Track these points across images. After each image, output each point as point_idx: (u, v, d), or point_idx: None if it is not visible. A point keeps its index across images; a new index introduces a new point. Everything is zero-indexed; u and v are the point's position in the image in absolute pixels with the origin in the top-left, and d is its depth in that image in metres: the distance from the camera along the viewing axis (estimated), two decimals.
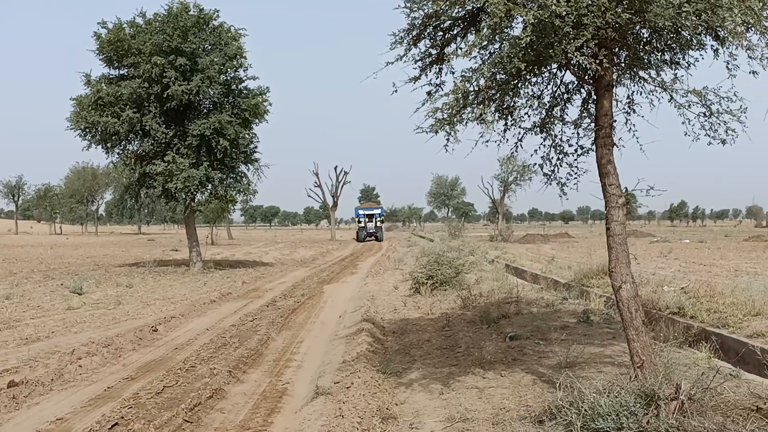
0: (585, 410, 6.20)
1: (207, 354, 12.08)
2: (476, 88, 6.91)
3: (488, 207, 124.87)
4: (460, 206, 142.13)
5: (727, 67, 6.79)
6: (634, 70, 7.45)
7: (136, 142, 30.85)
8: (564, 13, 6.02)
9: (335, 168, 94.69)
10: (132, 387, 9.85)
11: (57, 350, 12.33)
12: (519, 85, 7.26)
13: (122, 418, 8.20)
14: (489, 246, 46.98)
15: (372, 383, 9.22)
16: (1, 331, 14.36)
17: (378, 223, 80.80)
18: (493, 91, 7.05)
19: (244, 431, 8.04)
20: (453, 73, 7.48)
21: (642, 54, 7.48)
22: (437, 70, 7.70)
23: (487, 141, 7.48)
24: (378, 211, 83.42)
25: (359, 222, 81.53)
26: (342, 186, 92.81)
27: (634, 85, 7.61)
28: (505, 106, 7.43)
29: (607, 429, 5.96)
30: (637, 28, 7.15)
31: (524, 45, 6.15)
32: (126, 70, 30.01)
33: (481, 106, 6.93)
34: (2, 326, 14.89)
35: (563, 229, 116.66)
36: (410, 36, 7.45)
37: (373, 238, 78.94)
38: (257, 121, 31.84)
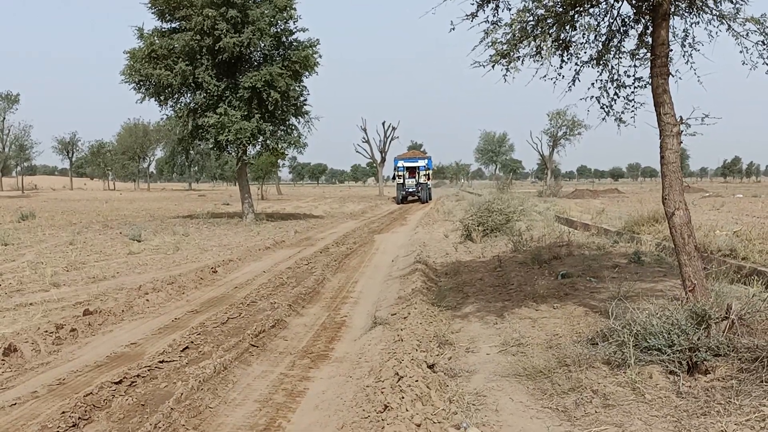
0: (638, 330, 6.43)
1: (266, 292, 12.51)
2: (534, 19, 7.05)
3: (536, 163, 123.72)
4: (508, 163, 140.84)
5: None
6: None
7: (189, 95, 31.44)
8: None
9: (383, 123, 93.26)
10: (198, 318, 10.33)
11: (124, 287, 12.98)
12: (575, 17, 7.35)
13: (192, 342, 8.66)
14: (538, 200, 46.80)
15: (428, 314, 9.59)
16: (69, 272, 15.04)
17: (422, 179, 58.61)
18: (550, 21, 7.16)
19: (307, 354, 8.46)
20: (509, 9, 7.58)
21: None
22: (494, 7, 7.78)
23: (544, 77, 7.65)
24: (423, 163, 60.00)
25: (398, 177, 59.58)
26: (390, 141, 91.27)
27: (691, 17, 7.64)
28: (561, 39, 7.54)
29: (659, 346, 6.18)
30: None
31: None
32: (178, 23, 30.39)
33: (538, 39, 7.08)
34: (70, 267, 15.58)
35: (613, 185, 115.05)
36: None
37: (415, 198, 58.57)
38: (307, 73, 31.93)
